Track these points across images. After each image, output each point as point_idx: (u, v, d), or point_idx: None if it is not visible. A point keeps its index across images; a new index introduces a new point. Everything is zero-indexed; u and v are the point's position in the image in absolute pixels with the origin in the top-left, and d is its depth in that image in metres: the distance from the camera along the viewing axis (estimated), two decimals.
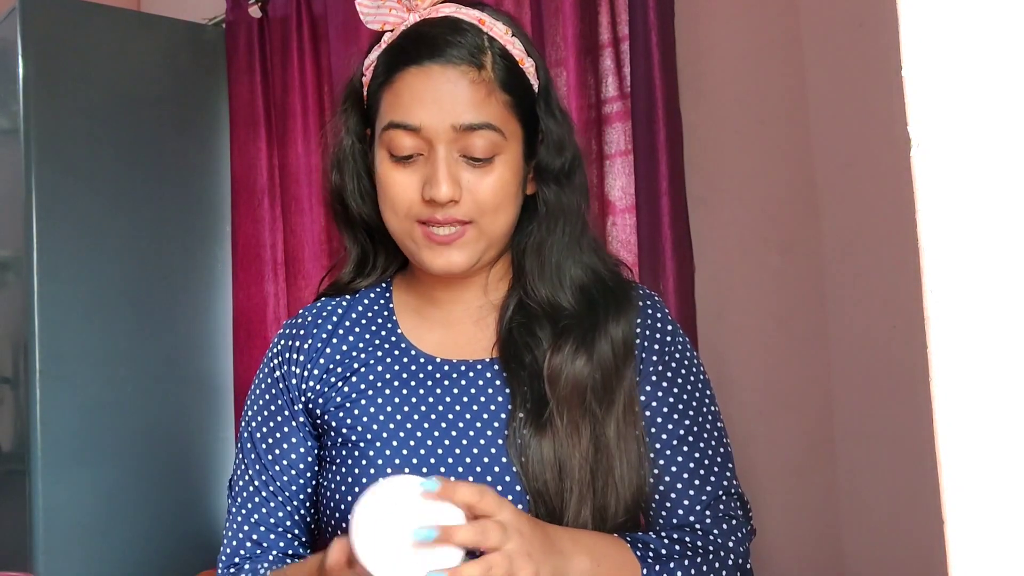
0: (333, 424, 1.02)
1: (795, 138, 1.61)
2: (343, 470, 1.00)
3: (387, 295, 1.09)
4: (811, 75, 1.58)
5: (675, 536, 0.97)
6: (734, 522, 1.00)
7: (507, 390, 0.99)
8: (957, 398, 0.42)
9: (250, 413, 1.08)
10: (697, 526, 0.98)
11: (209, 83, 2.57)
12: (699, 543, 0.97)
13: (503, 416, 0.98)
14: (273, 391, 1.06)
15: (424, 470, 0.96)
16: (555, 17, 1.80)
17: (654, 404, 1.01)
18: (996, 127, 0.41)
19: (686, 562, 0.95)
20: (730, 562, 0.98)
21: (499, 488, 0.95)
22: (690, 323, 1.65)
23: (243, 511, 1.05)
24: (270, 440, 1.05)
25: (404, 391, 1.01)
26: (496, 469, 0.96)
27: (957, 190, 0.42)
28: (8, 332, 2.37)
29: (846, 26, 1.51)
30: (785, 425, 1.63)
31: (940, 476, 0.42)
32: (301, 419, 1.05)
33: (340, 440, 1.01)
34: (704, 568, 0.95)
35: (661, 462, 0.99)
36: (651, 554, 0.94)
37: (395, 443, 0.98)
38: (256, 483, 1.05)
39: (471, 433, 0.98)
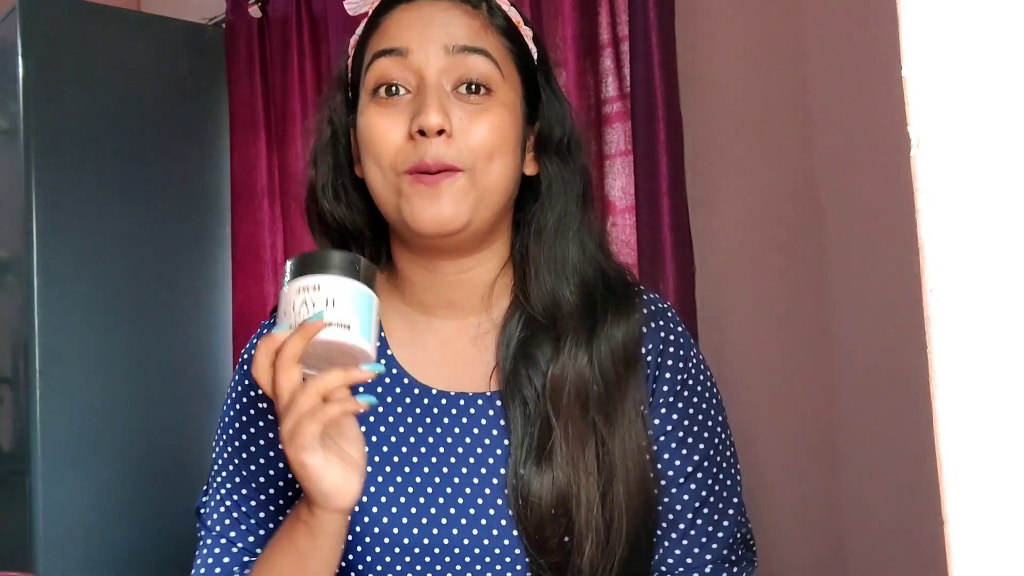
0: None
1: (795, 138, 1.61)
2: None
3: None
4: (811, 75, 1.58)
5: None
6: (735, 569, 0.95)
7: (507, 431, 0.90)
8: (958, 398, 0.42)
9: (225, 437, 0.97)
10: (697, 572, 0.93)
11: (209, 83, 2.57)
12: None
13: (503, 469, 0.89)
14: (251, 411, 0.96)
15: (418, 529, 0.89)
16: (555, 17, 1.80)
17: (662, 439, 0.93)
18: (997, 127, 0.41)
19: None
20: None
21: (497, 551, 0.88)
22: (690, 323, 1.64)
23: (215, 533, 0.95)
24: (252, 467, 0.95)
25: (401, 429, 0.92)
26: (494, 532, 0.89)
27: (957, 190, 0.42)
28: (8, 332, 2.37)
29: (847, 26, 1.51)
30: (786, 425, 1.63)
31: (941, 476, 0.42)
32: None
33: None
34: None
35: (666, 499, 0.92)
36: None
37: (390, 490, 0.90)
38: (241, 508, 0.94)
39: (473, 483, 0.90)
